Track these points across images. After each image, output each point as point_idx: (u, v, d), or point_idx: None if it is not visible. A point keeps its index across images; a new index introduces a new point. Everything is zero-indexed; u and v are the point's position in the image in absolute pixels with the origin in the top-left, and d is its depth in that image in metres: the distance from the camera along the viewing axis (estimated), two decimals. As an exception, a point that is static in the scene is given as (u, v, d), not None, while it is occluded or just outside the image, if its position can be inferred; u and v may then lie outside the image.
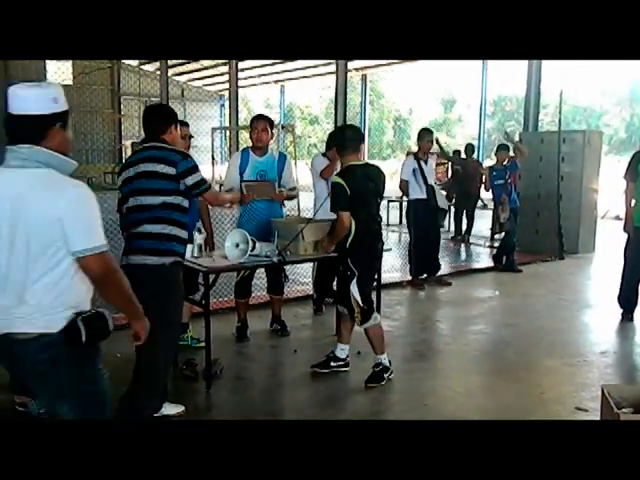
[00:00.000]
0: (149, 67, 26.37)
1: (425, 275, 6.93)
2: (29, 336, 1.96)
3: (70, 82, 23.18)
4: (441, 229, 10.48)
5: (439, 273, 7.08)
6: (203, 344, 4.58)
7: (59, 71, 23.58)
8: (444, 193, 10.92)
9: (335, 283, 4.23)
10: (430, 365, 4.51)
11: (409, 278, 6.90)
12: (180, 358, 4.15)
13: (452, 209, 10.76)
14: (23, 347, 1.97)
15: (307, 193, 6.86)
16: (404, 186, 6.60)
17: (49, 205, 1.90)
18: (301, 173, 9.71)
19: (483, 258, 8.92)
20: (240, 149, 4.88)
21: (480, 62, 16.80)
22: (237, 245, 3.98)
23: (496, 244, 8.51)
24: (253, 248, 3.96)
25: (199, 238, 4.06)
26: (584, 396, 3.83)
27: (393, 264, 7.38)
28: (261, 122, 4.57)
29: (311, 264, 5.76)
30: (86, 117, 23.14)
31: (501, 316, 5.89)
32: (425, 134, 6.63)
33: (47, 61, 24.76)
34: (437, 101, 39.83)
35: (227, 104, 21.87)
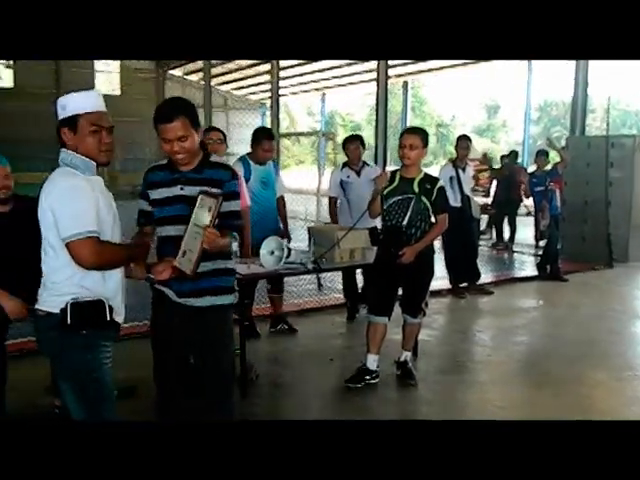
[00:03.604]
0: (193, 77, 26.89)
1: (466, 283, 6.78)
2: (42, 313, 2.17)
3: (118, 92, 23.84)
4: (483, 237, 10.32)
5: (481, 281, 6.92)
6: (238, 351, 4.59)
7: (106, 81, 24.31)
8: (489, 200, 10.70)
9: (377, 293, 4.13)
10: (469, 377, 4.38)
11: (449, 286, 6.76)
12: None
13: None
14: (39, 323, 2.20)
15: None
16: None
17: (45, 197, 2.10)
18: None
19: (527, 266, 8.66)
20: (238, 159, 4.87)
21: (526, 66, 16.43)
22: (272, 252, 3.96)
23: (540, 252, 8.27)
24: (288, 255, 3.93)
25: (234, 245, 4.04)
26: (634, 411, 3.65)
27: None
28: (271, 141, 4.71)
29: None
30: (132, 127, 23.70)
31: (545, 327, 5.70)
32: (461, 140, 6.52)
33: (96, 72, 25.57)
34: (480, 107, 39.27)
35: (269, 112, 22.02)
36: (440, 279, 7.09)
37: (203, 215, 2.34)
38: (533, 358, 4.79)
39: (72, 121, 2.12)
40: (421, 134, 3.93)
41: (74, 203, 2.05)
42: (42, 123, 23.32)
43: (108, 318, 2.16)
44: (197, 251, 2.31)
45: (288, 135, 23.13)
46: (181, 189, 2.48)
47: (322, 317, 5.71)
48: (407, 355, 4.26)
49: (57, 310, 2.11)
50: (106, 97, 2.28)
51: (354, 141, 5.40)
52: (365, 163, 5.46)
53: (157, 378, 2.73)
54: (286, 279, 4.85)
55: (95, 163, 2.16)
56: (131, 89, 23.81)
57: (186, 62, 25.26)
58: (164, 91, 26.55)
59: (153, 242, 2.64)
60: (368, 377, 4.09)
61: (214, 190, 2.44)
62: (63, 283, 2.13)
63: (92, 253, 2.04)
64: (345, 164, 5.48)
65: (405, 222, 3.93)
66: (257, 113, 29.61)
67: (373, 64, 19.12)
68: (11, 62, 22.28)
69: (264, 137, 4.69)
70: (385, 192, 3.98)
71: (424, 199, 3.93)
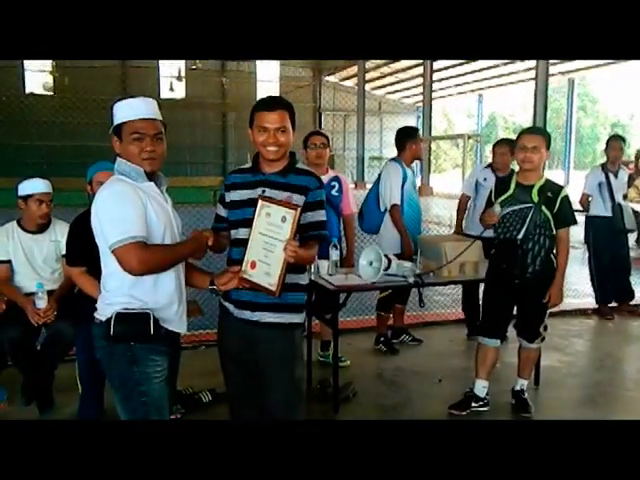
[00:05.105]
0: (348, 83, 27.31)
1: (615, 303, 5.98)
2: (96, 321, 2.15)
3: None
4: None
5: (634, 302, 6.06)
6: (348, 363, 4.44)
7: (268, 90, 25.52)
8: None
9: (488, 313, 3.75)
10: (600, 414, 3.77)
11: (595, 306, 6.01)
12: (318, 376, 4.05)
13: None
14: (94, 329, 2.16)
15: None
16: (584, 200, 5.79)
17: (94, 205, 2.09)
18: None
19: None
20: (393, 161, 4.69)
21: None
22: (371, 263, 3.74)
23: None
24: (388, 267, 3.69)
25: (334, 254, 3.90)
26: None
27: (575, 287, 6.47)
28: None
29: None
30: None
31: None
32: (613, 141, 5.75)
33: (258, 82, 26.97)
34: (666, 104, 35.29)
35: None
36: (585, 297, 6.37)
37: (274, 225, 2.19)
38: (686, 399, 4.04)
39: (117, 129, 2.12)
40: (544, 134, 3.51)
41: (116, 209, 2.02)
42: (206, 130, 25.18)
43: (152, 332, 2.07)
44: (279, 266, 2.15)
45: (435, 138, 22.49)
46: (263, 192, 2.35)
47: (441, 332, 5.36)
48: (523, 384, 3.83)
49: (105, 319, 2.09)
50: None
51: (503, 146, 4.93)
52: (512, 172, 5.01)
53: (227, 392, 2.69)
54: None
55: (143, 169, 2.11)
56: (288, 97, 24.82)
57: (341, 68, 25.75)
58: (320, 97, 27.36)
59: (222, 244, 2.51)
60: (475, 405, 3.72)
61: (275, 196, 2.30)
62: (113, 292, 2.11)
63: (138, 260, 1.97)
64: (489, 165, 5.07)
65: (521, 236, 3.49)
66: (411, 116, 29.28)
67: (532, 62, 17.90)
68: (183, 74, 24.29)
69: (417, 132, 4.71)
70: (499, 201, 3.59)
71: (544, 210, 3.46)
